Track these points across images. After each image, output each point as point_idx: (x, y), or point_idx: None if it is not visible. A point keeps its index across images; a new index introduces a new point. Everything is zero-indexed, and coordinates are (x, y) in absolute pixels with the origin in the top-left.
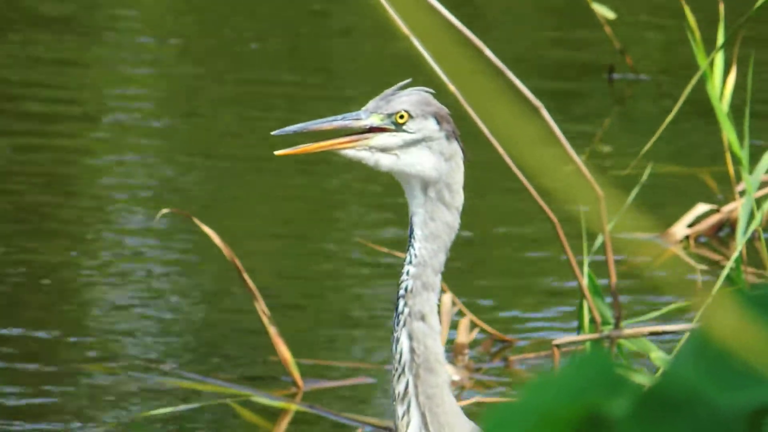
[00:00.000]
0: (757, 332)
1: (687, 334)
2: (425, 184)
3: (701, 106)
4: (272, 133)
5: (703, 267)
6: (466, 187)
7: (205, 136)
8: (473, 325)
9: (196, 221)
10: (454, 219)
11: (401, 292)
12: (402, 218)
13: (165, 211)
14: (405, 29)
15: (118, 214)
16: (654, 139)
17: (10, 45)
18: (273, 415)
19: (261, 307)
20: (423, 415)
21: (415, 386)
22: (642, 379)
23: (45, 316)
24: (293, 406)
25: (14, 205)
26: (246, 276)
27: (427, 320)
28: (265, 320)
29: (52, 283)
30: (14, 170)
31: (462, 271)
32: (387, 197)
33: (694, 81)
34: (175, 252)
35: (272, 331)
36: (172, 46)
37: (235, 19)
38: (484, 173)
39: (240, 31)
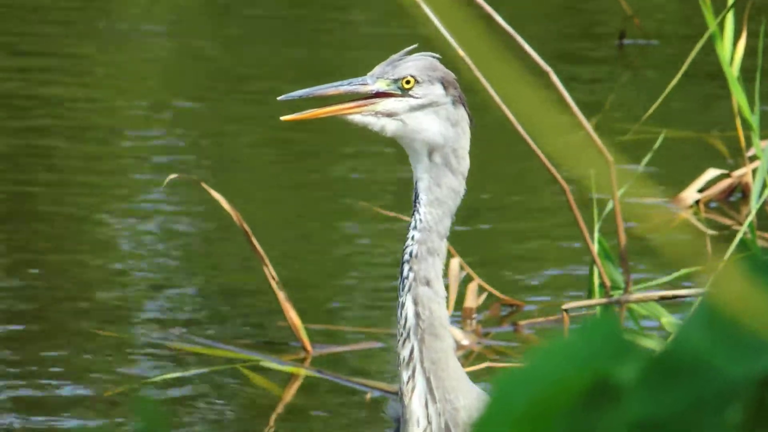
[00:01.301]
0: (765, 300)
1: (697, 299)
2: (431, 150)
3: (712, 71)
4: (278, 98)
5: (714, 232)
6: (473, 154)
7: (212, 99)
8: (481, 290)
9: (205, 186)
10: (459, 184)
11: (406, 257)
12: (407, 185)
13: (174, 176)
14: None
15: (127, 182)
16: (658, 102)
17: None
18: (282, 379)
19: (270, 272)
20: (428, 380)
21: (420, 351)
22: (652, 344)
23: (53, 281)
24: (302, 371)
25: (20, 176)
26: (255, 241)
27: (432, 285)
28: (274, 285)
29: (61, 249)
30: (22, 143)
31: (470, 235)
32: (394, 164)
33: (701, 42)
34: (183, 218)
35: (281, 296)
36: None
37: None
38: (492, 139)
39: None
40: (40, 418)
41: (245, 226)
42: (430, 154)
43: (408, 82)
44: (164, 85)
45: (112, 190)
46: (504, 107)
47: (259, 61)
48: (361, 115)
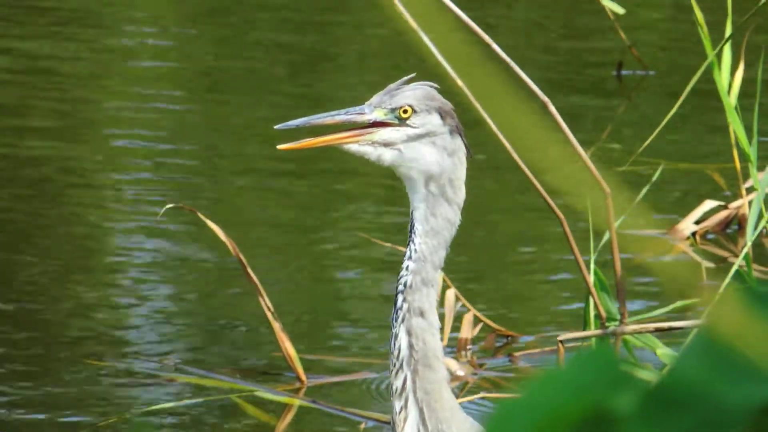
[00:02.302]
0: (762, 330)
1: (693, 331)
2: (427, 180)
3: (711, 102)
4: (275, 127)
5: (710, 264)
6: (469, 184)
7: (212, 130)
8: (477, 321)
9: (201, 216)
10: (455, 215)
11: (400, 287)
12: (404, 214)
13: (170, 206)
14: (413, 23)
15: (121, 209)
16: (655, 133)
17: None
18: (277, 409)
19: (265, 302)
20: (421, 411)
21: (413, 382)
22: (648, 375)
23: (46, 309)
24: (297, 401)
25: (10, 193)
26: (250, 271)
27: (426, 316)
28: (269, 315)
29: (54, 277)
30: (14, 156)
31: (466, 266)
32: (391, 194)
33: (700, 72)
34: (178, 247)
35: (276, 326)
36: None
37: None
38: (487, 170)
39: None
40: None
41: (241, 256)
42: (426, 183)
43: (405, 111)
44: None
45: (106, 218)
46: (501, 136)
47: (257, 86)
48: (358, 145)
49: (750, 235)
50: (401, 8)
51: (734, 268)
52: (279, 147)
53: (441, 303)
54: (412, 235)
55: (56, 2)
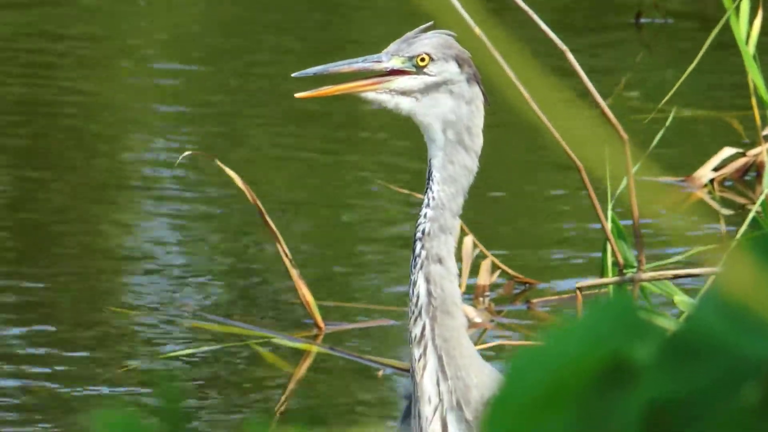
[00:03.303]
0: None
1: (710, 278)
2: (445, 127)
3: (729, 50)
4: (293, 74)
5: (728, 211)
6: (486, 135)
7: (226, 75)
8: (495, 267)
9: (219, 164)
10: (472, 162)
11: (418, 234)
12: (424, 161)
13: (188, 153)
14: None
15: (136, 155)
16: (676, 87)
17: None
18: (294, 356)
19: (283, 249)
20: (439, 358)
21: (432, 329)
22: (666, 323)
23: (66, 260)
24: (315, 348)
25: (32, 154)
26: (268, 218)
27: (445, 263)
28: (287, 262)
29: (71, 229)
30: (33, 121)
31: (484, 214)
32: (407, 143)
33: (720, 26)
34: (197, 195)
35: (294, 273)
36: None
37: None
38: (502, 123)
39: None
40: (53, 392)
41: (258, 203)
42: (444, 131)
43: (423, 59)
44: (173, 55)
45: (121, 169)
46: (520, 86)
47: (276, 32)
48: (375, 93)
49: (767, 182)
50: None
51: (751, 214)
52: (297, 95)
53: (459, 250)
54: (430, 182)
55: None
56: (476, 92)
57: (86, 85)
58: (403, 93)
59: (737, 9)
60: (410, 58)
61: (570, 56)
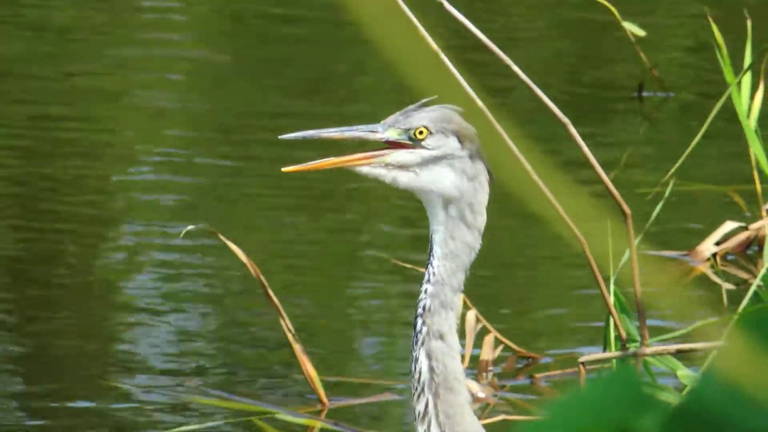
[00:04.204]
0: (765, 364)
1: (713, 353)
2: (446, 203)
3: (730, 123)
4: (281, 137)
5: (730, 285)
6: (490, 208)
7: (226, 147)
8: (498, 342)
9: (222, 238)
10: (474, 239)
11: (419, 310)
12: (425, 234)
13: (190, 227)
14: (434, 45)
15: (141, 228)
16: (680, 161)
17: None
18: None
19: (286, 323)
20: None
21: (435, 405)
22: (669, 397)
23: (65, 329)
24: (318, 423)
25: (27, 209)
26: (271, 292)
27: (446, 339)
28: (290, 337)
29: (71, 297)
30: (28, 173)
31: (486, 288)
32: (411, 213)
33: (722, 101)
34: (199, 268)
35: (297, 348)
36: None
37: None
38: (501, 196)
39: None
40: None
41: (262, 278)
42: (445, 206)
43: (421, 132)
44: (168, 123)
45: (123, 239)
46: (522, 159)
47: (277, 100)
48: (370, 167)
49: (767, 256)
50: (424, 32)
51: (752, 289)
52: (284, 169)
53: (461, 324)
54: (431, 257)
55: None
56: (480, 168)
57: (82, 163)
58: (401, 167)
59: (739, 84)
60: (407, 131)
61: (572, 129)
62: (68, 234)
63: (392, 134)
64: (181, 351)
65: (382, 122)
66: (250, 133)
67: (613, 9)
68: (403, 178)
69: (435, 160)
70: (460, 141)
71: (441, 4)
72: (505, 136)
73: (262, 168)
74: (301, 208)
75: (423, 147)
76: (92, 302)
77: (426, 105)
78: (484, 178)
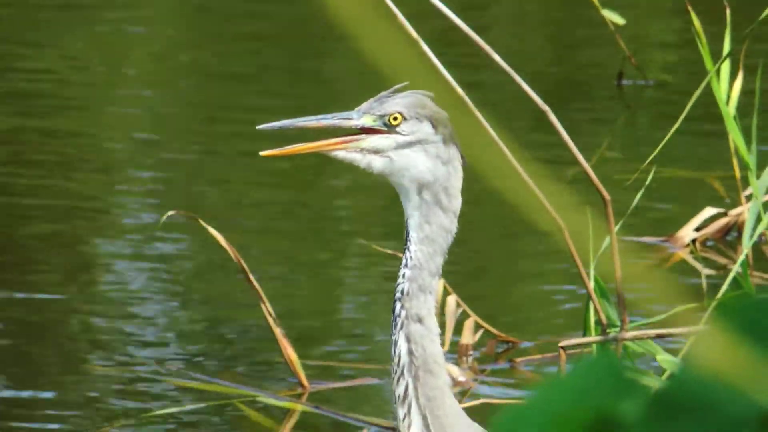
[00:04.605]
0: (743, 352)
1: (692, 337)
2: (420, 187)
3: (710, 110)
4: (258, 127)
5: (710, 271)
6: (463, 193)
7: (204, 135)
8: (477, 326)
9: (203, 223)
10: (450, 222)
11: (398, 294)
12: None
13: (171, 213)
14: (413, 33)
15: (122, 215)
16: (659, 147)
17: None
18: (279, 415)
19: (266, 308)
20: (424, 417)
21: (415, 388)
22: (650, 381)
23: (44, 315)
24: (299, 407)
25: (15, 206)
26: (252, 277)
27: (425, 322)
28: (271, 321)
29: (54, 283)
30: (16, 172)
31: (466, 273)
32: (392, 201)
33: (701, 88)
34: (180, 253)
35: (278, 332)
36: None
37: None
38: (480, 179)
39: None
40: None
41: (242, 262)
42: (419, 191)
43: (395, 118)
44: (151, 118)
45: (105, 224)
46: (501, 144)
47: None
48: (345, 152)
49: (746, 242)
50: (402, 18)
51: (731, 275)
52: (262, 153)
53: (442, 309)
54: (408, 242)
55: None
56: (453, 153)
57: (65, 140)
58: (375, 152)
59: (718, 71)
60: (381, 117)
61: (552, 116)
62: (46, 220)
63: (367, 121)
64: (161, 335)
65: (356, 109)
66: (229, 123)
67: None
68: (378, 163)
69: (409, 145)
70: (434, 126)
71: None
72: (484, 123)
73: (240, 154)
74: (281, 193)
75: (397, 132)
76: (72, 288)
77: (399, 91)
78: (457, 162)
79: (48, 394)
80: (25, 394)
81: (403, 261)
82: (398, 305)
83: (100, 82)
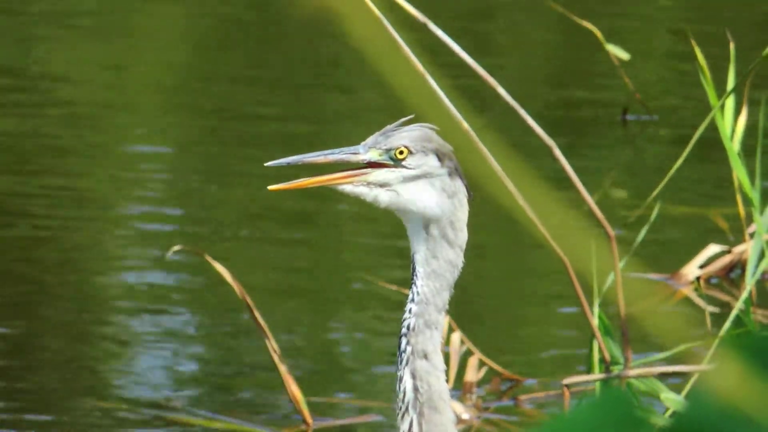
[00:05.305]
0: (755, 384)
1: (697, 375)
2: (427, 222)
3: (714, 147)
4: (266, 164)
5: (714, 308)
6: (471, 229)
7: (214, 169)
8: (482, 364)
9: (209, 259)
10: (457, 257)
11: (404, 330)
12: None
13: (177, 247)
14: (419, 65)
15: (129, 250)
16: (663, 183)
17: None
18: None
19: (271, 344)
20: None
21: (420, 425)
22: (657, 419)
23: (56, 353)
24: None
25: (24, 239)
26: (257, 314)
27: (431, 359)
28: (276, 358)
29: (62, 319)
30: (26, 204)
31: (469, 310)
32: (396, 236)
33: (705, 124)
34: (185, 289)
35: (282, 369)
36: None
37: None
38: (486, 215)
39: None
40: None
41: (247, 298)
42: (426, 226)
43: (401, 152)
44: (158, 151)
45: (112, 258)
46: (507, 180)
47: (257, 124)
48: (352, 186)
49: (749, 279)
50: (409, 53)
51: (734, 312)
52: (270, 188)
53: (446, 346)
54: (414, 277)
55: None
56: (459, 186)
57: (68, 177)
58: (382, 186)
59: (722, 106)
60: (388, 151)
61: (557, 152)
62: (52, 251)
63: (374, 155)
64: (166, 371)
65: (362, 143)
66: (237, 158)
67: (597, 32)
68: (385, 197)
69: (415, 179)
70: (440, 159)
71: (425, 25)
72: (490, 157)
73: (247, 187)
74: (288, 229)
75: (404, 166)
76: (79, 321)
77: (404, 125)
78: (463, 195)
79: (48, 429)
80: (25, 427)
81: (410, 296)
82: (404, 341)
83: (110, 113)
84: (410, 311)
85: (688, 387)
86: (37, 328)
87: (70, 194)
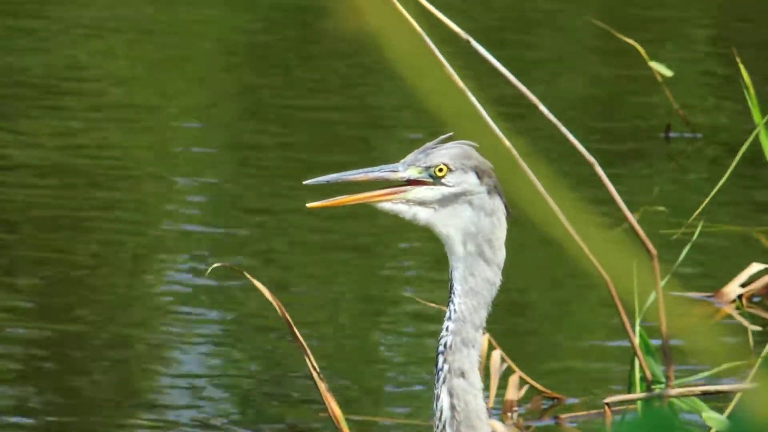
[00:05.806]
0: None
1: (739, 394)
2: (465, 239)
3: (757, 164)
4: (305, 182)
5: (756, 327)
6: (510, 247)
7: (254, 188)
8: (522, 382)
9: (248, 276)
10: (494, 275)
11: (440, 348)
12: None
13: (216, 265)
14: (460, 83)
15: (167, 267)
16: (704, 204)
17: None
18: None
19: (311, 361)
20: None
21: None
22: None
23: (93, 372)
24: None
25: (59, 255)
26: (296, 331)
27: (468, 377)
28: (315, 376)
29: (98, 338)
30: (62, 218)
31: (512, 328)
32: (437, 251)
33: (748, 142)
34: (224, 306)
35: (322, 386)
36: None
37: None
38: (526, 232)
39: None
40: None
41: (287, 316)
42: (464, 243)
43: (441, 170)
44: (197, 167)
45: (149, 275)
46: (548, 198)
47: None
48: (391, 203)
49: None
50: (450, 69)
51: None
52: (308, 205)
53: (487, 364)
54: (452, 295)
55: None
56: (497, 204)
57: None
58: (421, 203)
59: (766, 124)
60: (427, 168)
61: (599, 169)
62: (92, 267)
63: (413, 173)
64: (205, 388)
65: (402, 161)
66: (275, 167)
67: (640, 49)
68: (423, 214)
69: (454, 197)
70: (479, 177)
71: (468, 42)
72: (532, 175)
73: (287, 204)
74: (328, 246)
75: (443, 184)
76: (117, 335)
77: (444, 142)
78: (501, 213)
79: None
80: None
81: (447, 314)
82: (441, 359)
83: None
84: (447, 329)
85: (730, 406)
86: (67, 336)
87: (116, 198)
